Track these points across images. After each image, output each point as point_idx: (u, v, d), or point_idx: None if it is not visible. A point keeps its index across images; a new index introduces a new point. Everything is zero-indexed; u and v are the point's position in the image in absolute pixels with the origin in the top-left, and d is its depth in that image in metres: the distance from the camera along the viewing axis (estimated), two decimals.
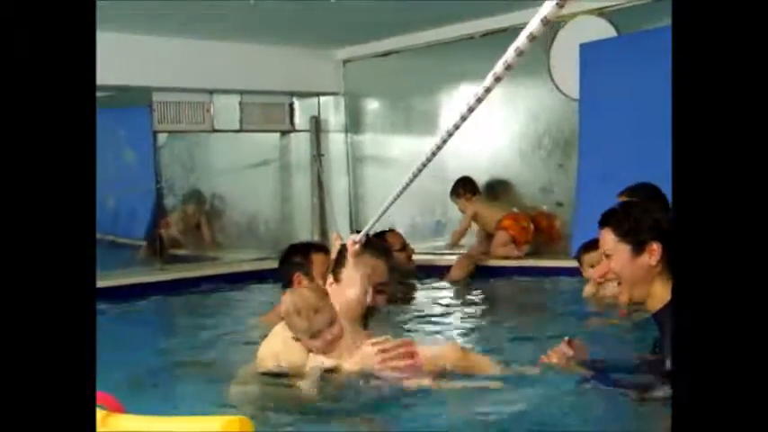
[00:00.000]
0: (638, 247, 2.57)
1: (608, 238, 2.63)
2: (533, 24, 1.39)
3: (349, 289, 2.80)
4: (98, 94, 6.73)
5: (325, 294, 2.74)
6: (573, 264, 4.58)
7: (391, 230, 5.69)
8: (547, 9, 1.32)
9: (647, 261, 2.56)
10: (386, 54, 7.35)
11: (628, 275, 2.59)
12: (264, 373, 2.73)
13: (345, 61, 7.69)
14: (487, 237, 6.44)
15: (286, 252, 3.95)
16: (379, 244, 3.01)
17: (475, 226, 6.63)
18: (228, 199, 7.75)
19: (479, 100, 1.79)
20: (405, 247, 5.64)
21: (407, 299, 5.18)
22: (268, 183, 7.93)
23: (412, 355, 2.62)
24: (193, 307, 5.53)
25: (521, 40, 1.47)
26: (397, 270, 5.36)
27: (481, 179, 6.77)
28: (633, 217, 2.61)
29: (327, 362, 2.62)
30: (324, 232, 7.69)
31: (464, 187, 6.57)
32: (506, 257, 6.14)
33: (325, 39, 7.14)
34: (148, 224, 7.18)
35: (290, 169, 8.00)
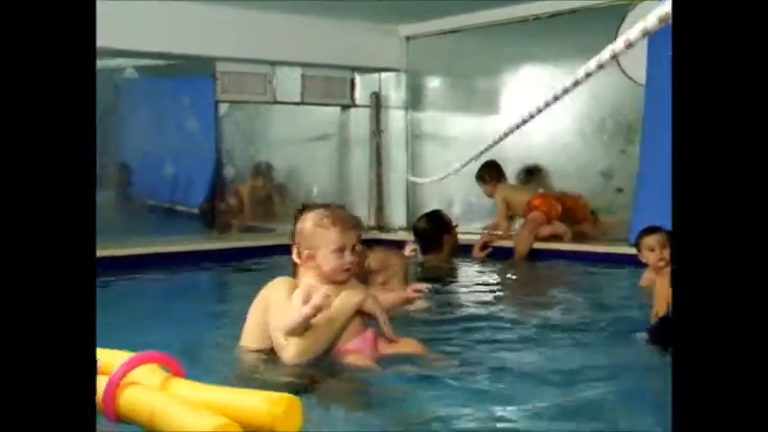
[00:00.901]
0: None
1: None
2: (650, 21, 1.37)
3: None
4: (162, 62, 6.94)
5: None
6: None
7: (436, 212, 5.87)
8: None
9: None
10: (449, 32, 7.29)
11: None
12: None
13: (408, 38, 7.65)
14: (510, 219, 6.54)
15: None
16: (345, 212, 3.05)
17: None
18: (287, 171, 7.81)
19: (577, 83, 1.77)
20: (456, 227, 5.76)
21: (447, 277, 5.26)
22: (327, 157, 7.97)
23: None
24: (245, 276, 5.59)
25: (633, 33, 1.45)
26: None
27: (540, 161, 6.70)
28: None
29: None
30: (380, 208, 7.71)
31: (490, 173, 6.58)
32: (554, 236, 6.17)
33: (388, 15, 7.10)
34: (206, 193, 7.28)
35: (348, 144, 8.02)
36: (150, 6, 6.00)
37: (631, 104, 6.05)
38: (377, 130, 7.79)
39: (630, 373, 2.69)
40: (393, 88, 7.91)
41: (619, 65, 6.07)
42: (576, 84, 1.78)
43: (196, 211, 7.36)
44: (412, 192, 7.70)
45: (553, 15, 6.41)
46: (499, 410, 2.29)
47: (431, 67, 7.69)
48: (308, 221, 2.88)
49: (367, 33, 7.39)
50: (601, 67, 1.57)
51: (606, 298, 4.49)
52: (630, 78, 6.01)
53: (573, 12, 6.15)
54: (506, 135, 3.69)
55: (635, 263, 4.02)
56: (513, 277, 5.59)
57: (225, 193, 7.28)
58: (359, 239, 2.95)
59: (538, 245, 6.13)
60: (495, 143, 3.93)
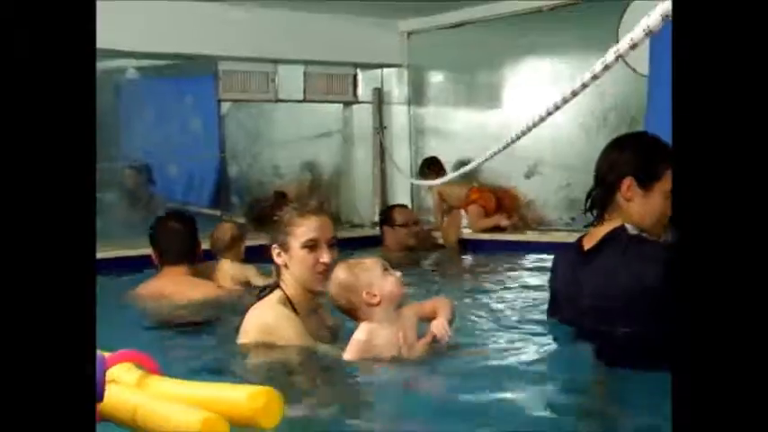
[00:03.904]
0: None
1: None
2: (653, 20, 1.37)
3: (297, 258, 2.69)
4: (164, 62, 6.94)
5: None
6: None
7: (402, 206, 6.41)
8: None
9: None
10: (450, 26, 7.27)
11: None
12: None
13: (409, 33, 7.63)
14: (449, 212, 6.84)
15: None
16: (314, 203, 2.82)
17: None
18: (291, 170, 7.81)
19: (595, 77, 1.78)
20: (407, 223, 6.10)
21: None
22: (330, 154, 7.96)
23: None
24: None
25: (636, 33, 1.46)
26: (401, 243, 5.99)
27: (542, 154, 6.70)
28: None
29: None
30: (384, 204, 7.71)
31: (429, 167, 6.90)
32: (495, 228, 6.52)
33: (389, 10, 7.09)
34: (212, 191, 7.29)
35: (352, 140, 8.02)
36: (150, 6, 6.00)
37: (634, 96, 6.03)
38: (380, 125, 7.79)
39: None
40: (395, 84, 7.90)
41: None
42: (584, 86, 1.79)
43: (207, 210, 7.36)
44: (416, 187, 7.69)
45: (554, 8, 6.39)
46: None
47: (432, 62, 7.68)
48: (283, 211, 2.74)
49: (368, 29, 7.37)
50: (607, 68, 1.58)
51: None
52: (633, 69, 5.99)
53: (574, 4, 6.13)
54: (518, 138, 3.68)
55: None
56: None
57: (230, 193, 7.28)
58: (335, 237, 2.76)
59: (479, 236, 6.49)
60: (507, 146, 3.92)
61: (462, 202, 6.68)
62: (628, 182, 2.54)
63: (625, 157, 2.58)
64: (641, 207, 2.53)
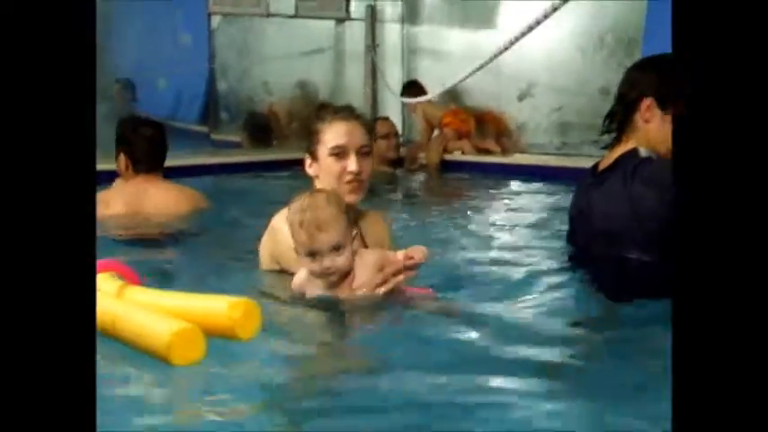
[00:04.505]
0: None
1: None
2: None
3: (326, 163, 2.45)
4: None
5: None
6: None
7: (385, 118, 6.39)
8: None
9: None
10: None
11: None
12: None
13: None
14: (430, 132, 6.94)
15: None
16: (346, 108, 2.58)
17: None
18: (281, 86, 7.70)
19: None
20: (389, 135, 6.11)
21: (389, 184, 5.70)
22: (322, 71, 7.85)
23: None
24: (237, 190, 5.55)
25: None
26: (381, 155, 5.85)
27: (536, 76, 6.61)
28: None
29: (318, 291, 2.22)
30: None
31: (409, 91, 6.88)
32: (483, 151, 6.61)
33: None
34: (200, 108, 7.21)
35: (343, 58, 7.89)
36: None
37: (633, 16, 5.91)
38: (372, 44, 7.66)
39: None
40: (389, 1, 7.74)
41: None
42: None
43: (195, 126, 7.29)
44: (407, 108, 7.62)
45: None
46: None
47: None
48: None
49: None
50: None
51: None
52: None
53: None
54: (505, 49, 3.62)
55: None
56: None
57: (219, 109, 7.20)
58: (368, 145, 2.49)
59: (464, 158, 6.56)
60: (492, 59, 3.87)
61: (440, 125, 6.74)
62: (648, 102, 2.49)
63: (647, 77, 2.52)
64: (659, 130, 2.48)
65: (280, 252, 2.42)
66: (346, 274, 2.19)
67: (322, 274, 2.16)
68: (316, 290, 2.22)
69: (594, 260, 2.55)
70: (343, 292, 2.19)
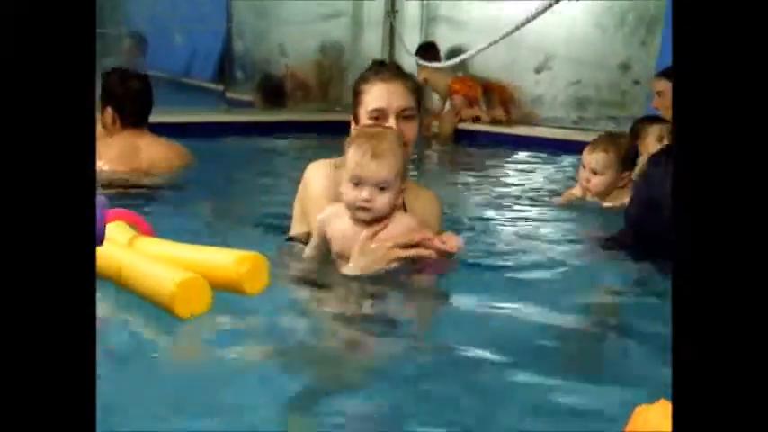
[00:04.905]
0: None
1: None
2: None
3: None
4: None
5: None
6: None
7: None
8: None
9: None
10: None
11: None
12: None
13: None
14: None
15: None
16: (390, 67, 2.46)
17: None
18: (298, 50, 7.65)
19: None
20: None
21: None
22: (340, 36, 7.78)
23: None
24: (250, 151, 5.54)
25: None
26: None
27: (554, 49, 6.55)
28: None
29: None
30: None
31: (425, 53, 6.69)
32: (494, 121, 6.54)
33: None
34: (215, 65, 7.18)
35: (361, 24, 7.82)
36: None
37: None
38: (391, 9, 7.59)
39: None
40: None
41: None
42: None
43: (209, 84, 7.25)
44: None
45: None
46: None
47: None
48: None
49: None
50: None
51: None
52: None
53: None
54: (527, 21, 3.57)
55: None
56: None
57: (234, 68, 7.17)
58: (411, 108, 2.34)
59: (477, 127, 6.51)
60: (514, 30, 3.82)
61: (447, 91, 6.66)
62: None
63: None
64: None
65: (308, 207, 2.35)
66: (377, 220, 2.13)
67: (358, 208, 2.09)
68: (339, 225, 2.16)
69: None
70: (366, 246, 2.11)
